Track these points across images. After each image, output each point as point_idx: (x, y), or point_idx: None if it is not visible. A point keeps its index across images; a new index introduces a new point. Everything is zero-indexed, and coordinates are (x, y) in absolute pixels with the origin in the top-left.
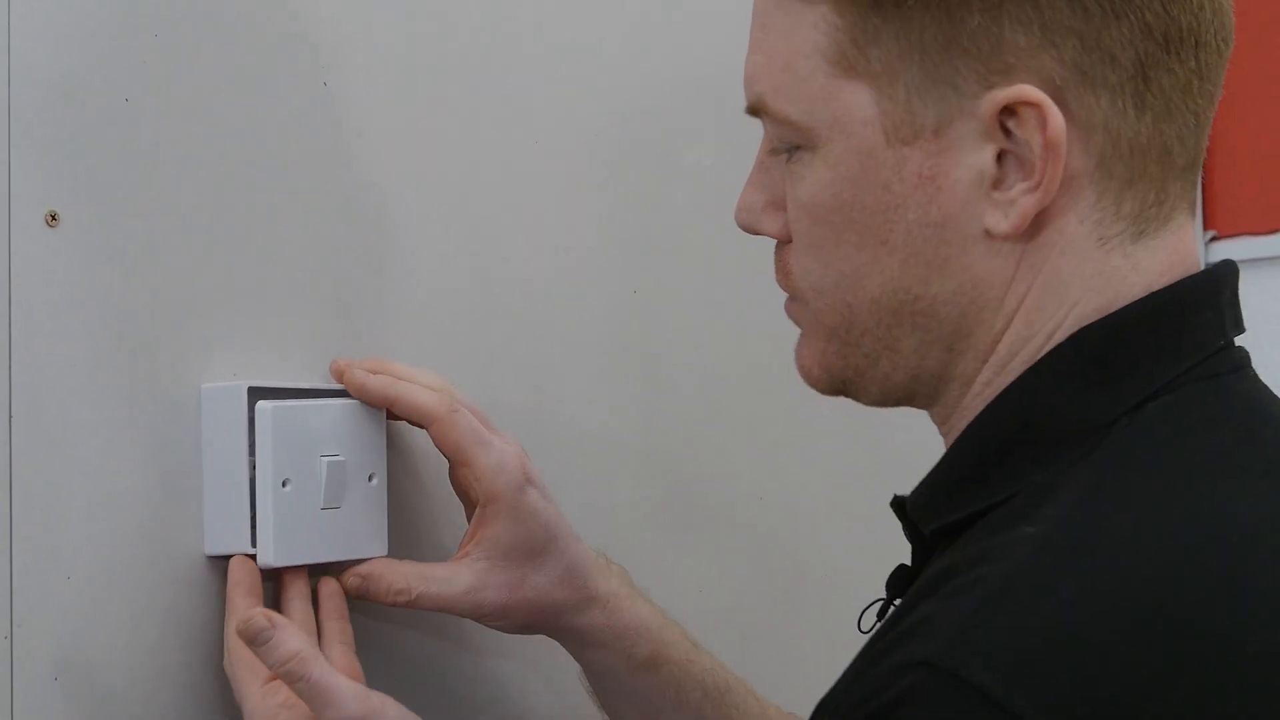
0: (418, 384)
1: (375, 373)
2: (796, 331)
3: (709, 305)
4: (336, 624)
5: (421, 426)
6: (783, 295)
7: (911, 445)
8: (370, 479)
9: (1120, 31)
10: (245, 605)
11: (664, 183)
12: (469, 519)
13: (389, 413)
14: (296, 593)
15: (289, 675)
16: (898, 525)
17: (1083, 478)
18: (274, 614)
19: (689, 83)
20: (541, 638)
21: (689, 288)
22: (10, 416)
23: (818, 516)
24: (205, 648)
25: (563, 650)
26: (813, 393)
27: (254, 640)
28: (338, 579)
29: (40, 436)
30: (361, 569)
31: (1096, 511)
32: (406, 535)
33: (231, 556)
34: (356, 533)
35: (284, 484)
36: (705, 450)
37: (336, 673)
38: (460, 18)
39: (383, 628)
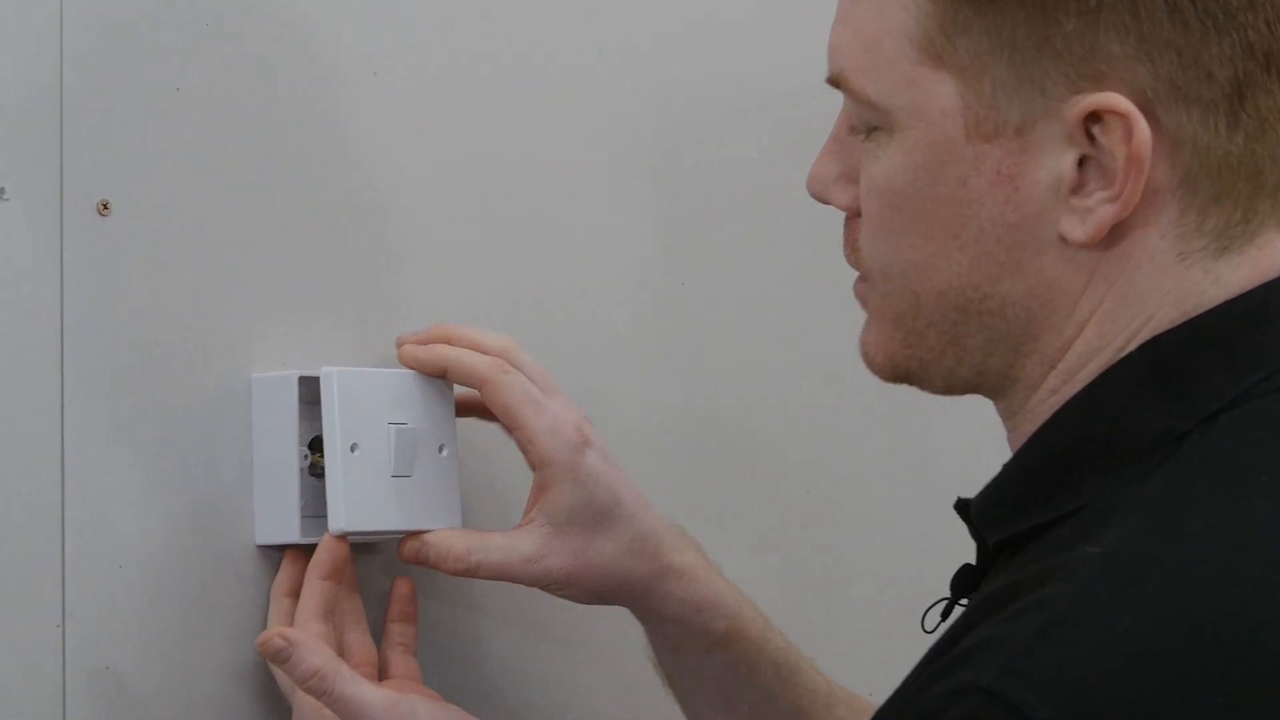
0: (480, 342)
1: (435, 341)
2: (847, 324)
3: (758, 298)
4: (398, 626)
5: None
6: (836, 286)
7: (963, 442)
8: (441, 450)
9: (1220, 48)
10: (285, 606)
11: (713, 175)
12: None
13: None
14: (317, 574)
15: (313, 691)
16: (948, 521)
17: (1150, 494)
18: (291, 632)
19: (738, 74)
20: (595, 617)
21: (738, 280)
22: (62, 406)
23: (865, 511)
24: (254, 638)
25: (616, 631)
26: (862, 386)
27: (274, 660)
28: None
29: (91, 426)
30: (421, 536)
31: (1161, 532)
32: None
33: (282, 546)
34: (428, 504)
35: (352, 448)
36: (753, 443)
37: (362, 683)
38: (511, 6)
39: (438, 610)
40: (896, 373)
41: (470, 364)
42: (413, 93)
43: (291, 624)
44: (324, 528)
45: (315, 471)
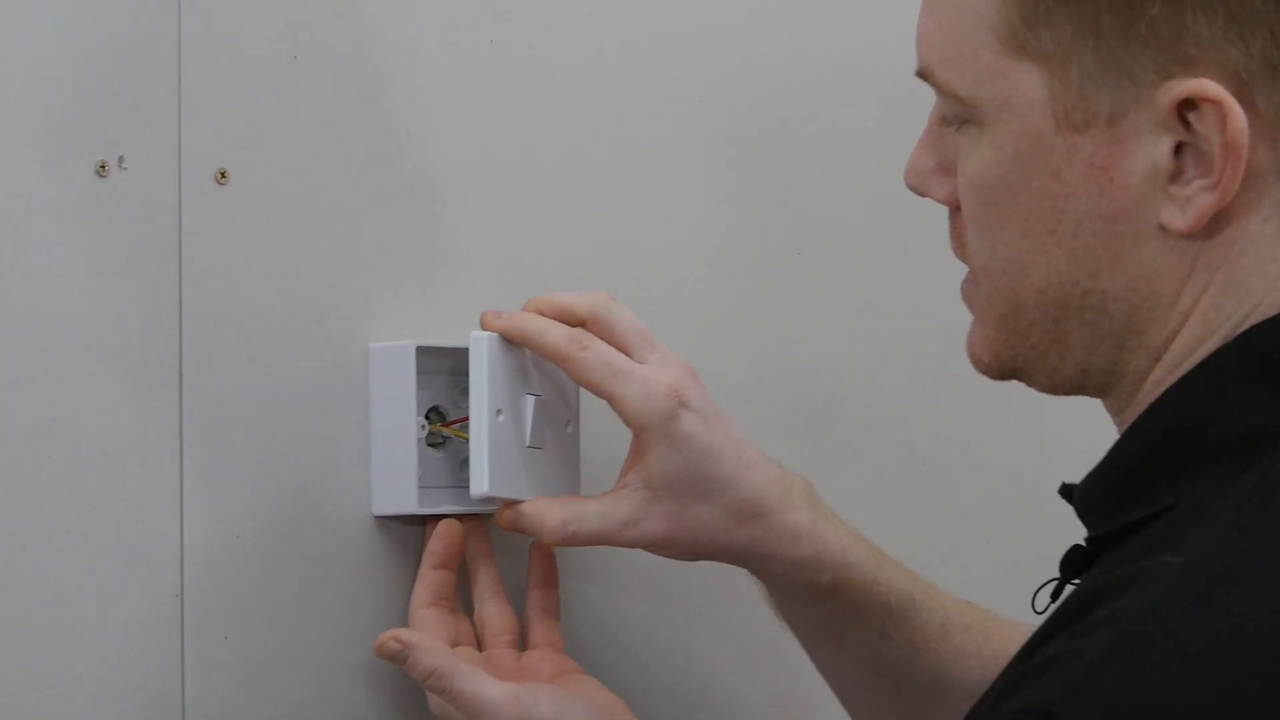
0: (570, 307)
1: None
2: (959, 291)
3: (873, 268)
4: (539, 591)
5: None
6: (947, 258)
7: (1073, 419)
8: (567, 426)
9: None
10: (430, 579)
11: (828, 144)
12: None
13: None
14: (429, 564)
15: (432, 690)
16: (1051, 501)
17: (1236, 497)
18: (406, 634)
19: (853, 43)
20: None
21: (853, 250)
22: (180, 375)
23: (977, 490)
24: (372, 607)
25: (726, 587)
26: (967, 351)
27: (391, 662)
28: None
29: (209, 395)
30: (517, 506)
31: (1243, 540)
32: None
33: (399, 517)
34: (555, 478)
35: (498, 414)
36: (866, 414)
37: (480, 679)
38: None
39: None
40: (1004, 371)
41: (549, 341)
42: (528, 59)
43: (434, 598)
44: (441, 499)
45: (432, 441)
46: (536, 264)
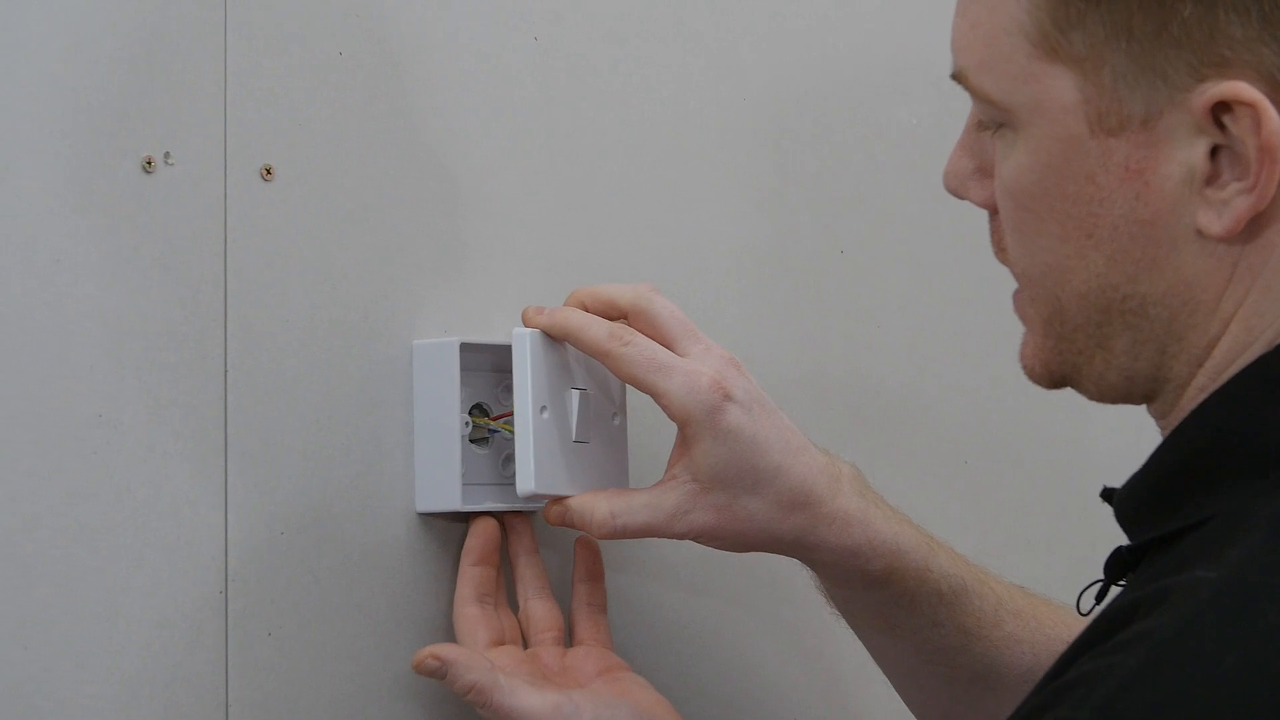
0: (613, 299)
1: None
2: (1005, 294)
3: (916, 267)
4: (585, 586)
5: None
6: (991, 257)
7: (1121, 428)
8: (614, 418)
9: None
10: (471, 575)
11: (872, 141)
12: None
13: None
14: (468, 560)
15: (473, 705)
16: (1095, 501)
17: (1274, 511)
18: (443, 650)
19: (898, 39)
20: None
21: (896, 249)
22: (226, 371)
23: (1022, 485)
24: (415, 604)
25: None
26: (1020, 362)
27: (431, 677)
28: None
29: (254, 392)
30: (564, 501)
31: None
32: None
33: (442, 514)
34: (602, 472)
35: (542, 410)
36: (910, 412)
37: (520, 691)
38: None
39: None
40: (1054, 378)
41: (590, 337)
42: (572, 57)
43: (477, 595)
44: (484, 496)
45: (476, 438)
46: (579, 261)
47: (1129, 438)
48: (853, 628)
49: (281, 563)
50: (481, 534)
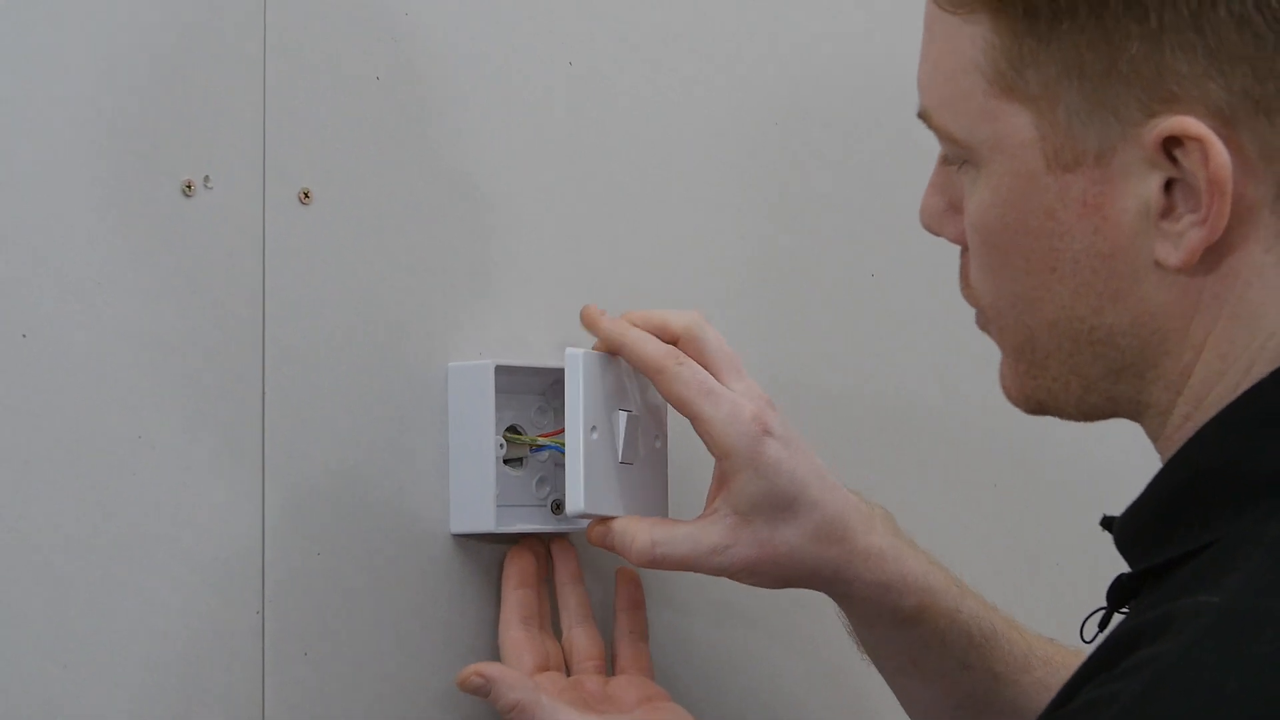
0: (666, 323)
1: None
2: None
3: (947, 290)
4: (626, 614)
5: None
6: None
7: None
8: (656, 441)
9: None
10: (515, 599)
11: (903, 164)
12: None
13: None
14: (510, 585)
15: None
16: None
17: (1274, 533)
18: (488, 668)
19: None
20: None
21: (927, 272)
22: (263, 393)
23: (1050, 507)
24: (449, 625)
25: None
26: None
27: (475, 695)
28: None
29: (291, 413)
30: (608, 522)
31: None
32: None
33: (477, 535)
34: (645, 493)
35: (593, 430)
36: (940, 435)
37: (561, 711)
38: None
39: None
40: (1031, 404)
41: (644, 352)
42: (605, 82)
43: (522, 619)
44: (519, 517)
45: (510, 459)
46: (611, 283)
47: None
48: (882, 672)
49: (317, 583)
50: (521, 558)
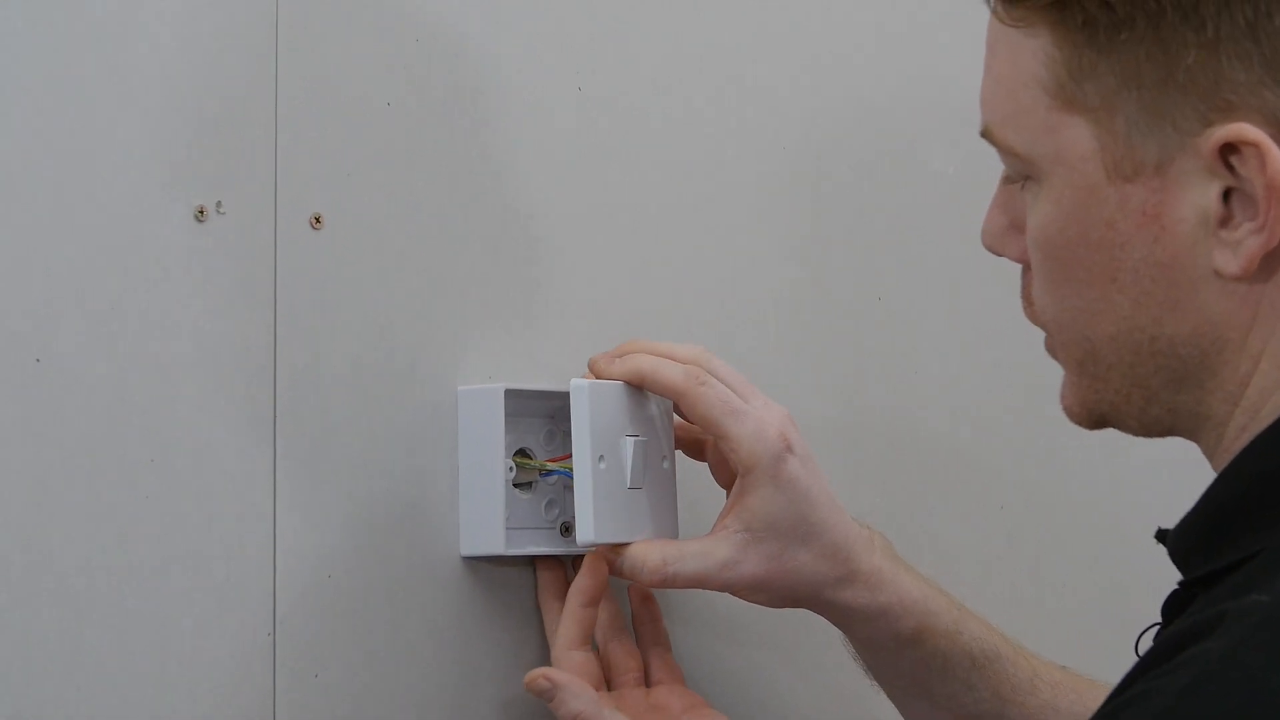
0: (673, 353)
1: (624, 355)
2: (1040, 340)
3: (954, 313)
4: (649, 627)
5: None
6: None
7: (1163, 461)
8: (664, 462)
9: None
10: (580, 617)
11: (909, 189)
12: (728, 495)
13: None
14: (578, 601)
15: None
16: (1136, 542)
17: None
18: (556, 674)
19: (933, 88)
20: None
21: (934, 296)
22: (275, 416)
23: (1059, 530)
24: (459, 646)
25: (816, 633)
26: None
27: (540, 698)
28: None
29: (302, 437)
30: (617, 548)
31: None
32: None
33: (487, 558)
34: (655, 516)
35: (600, 460)
36: (948, 457)
37: None
38: (711, 24)
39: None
40: (1094, 418)
41: (666, 375)
42: (614, 106)
43: (584, 637)
44: (528, 540)
45: (520, 483)
46: (621, 306)
47: (1165, 483)
48: (890, 696)
49: (328, 605)
50: (595, 574)
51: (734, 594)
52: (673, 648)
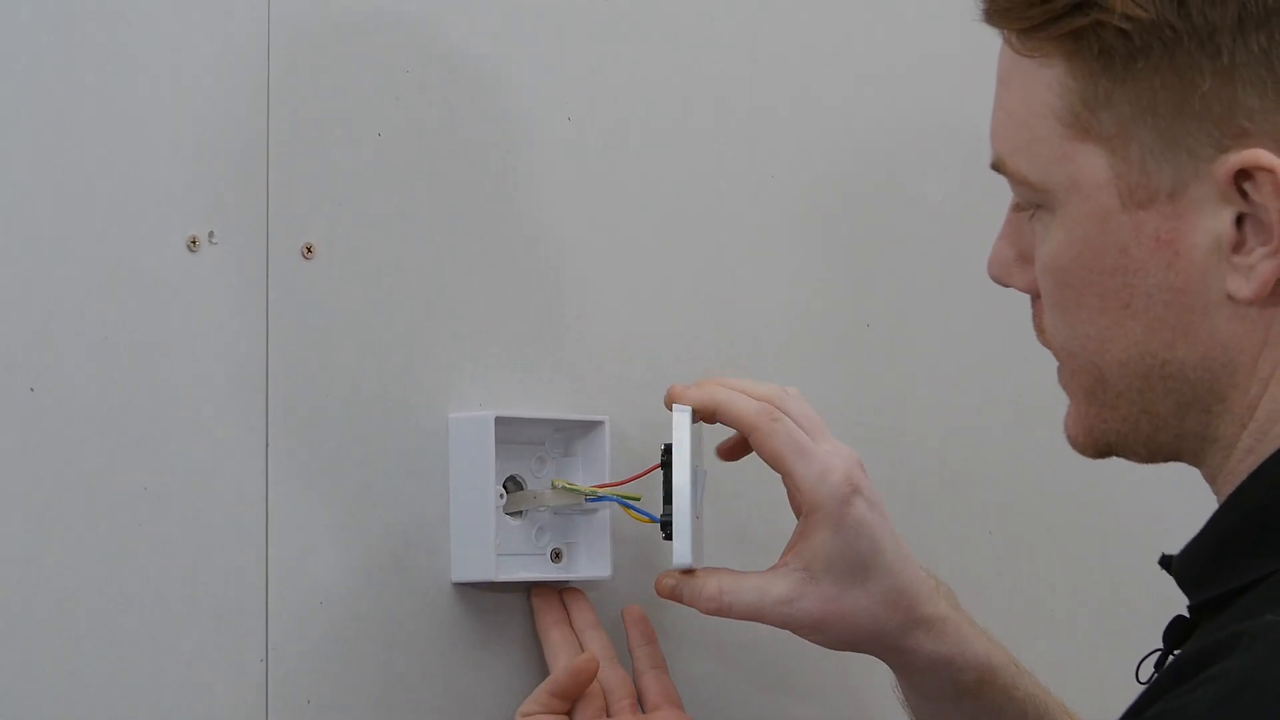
0: (749, 388)
1: (702, 385)
2: (1033, 367)
3: (944, 340)
4: (644, 650)
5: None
6: (1020, 335)
7: (1156, 487)
8: (703, 495)
9: None
10: (557, 636)
11: (897, 216)
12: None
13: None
14: (586, 622)
15: None
16: (1125, 567)
17: None
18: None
19: (923, 117)
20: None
21: (923, 322)
22: (267, 444)
23: (1048, 555)
24: (450, 672)
25: (811, 659)
26: (1048, 432)
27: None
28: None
29: (294, 465)
30: (681, 576)
31: None
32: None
33: (478, 584)
34: (703, 543)
35: (693, 486)
36: (935, 483)
37: None
38: (703, 53)
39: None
40: (1099, 447)
41: (740, 409)
42: (606, 138)
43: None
44: (519, 566)
45: (511, 510)
46: (611, 335)
47: (1155, 509)
48: None
49: (320, 632)
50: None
51: (792, 631)
52: (669, 671)
